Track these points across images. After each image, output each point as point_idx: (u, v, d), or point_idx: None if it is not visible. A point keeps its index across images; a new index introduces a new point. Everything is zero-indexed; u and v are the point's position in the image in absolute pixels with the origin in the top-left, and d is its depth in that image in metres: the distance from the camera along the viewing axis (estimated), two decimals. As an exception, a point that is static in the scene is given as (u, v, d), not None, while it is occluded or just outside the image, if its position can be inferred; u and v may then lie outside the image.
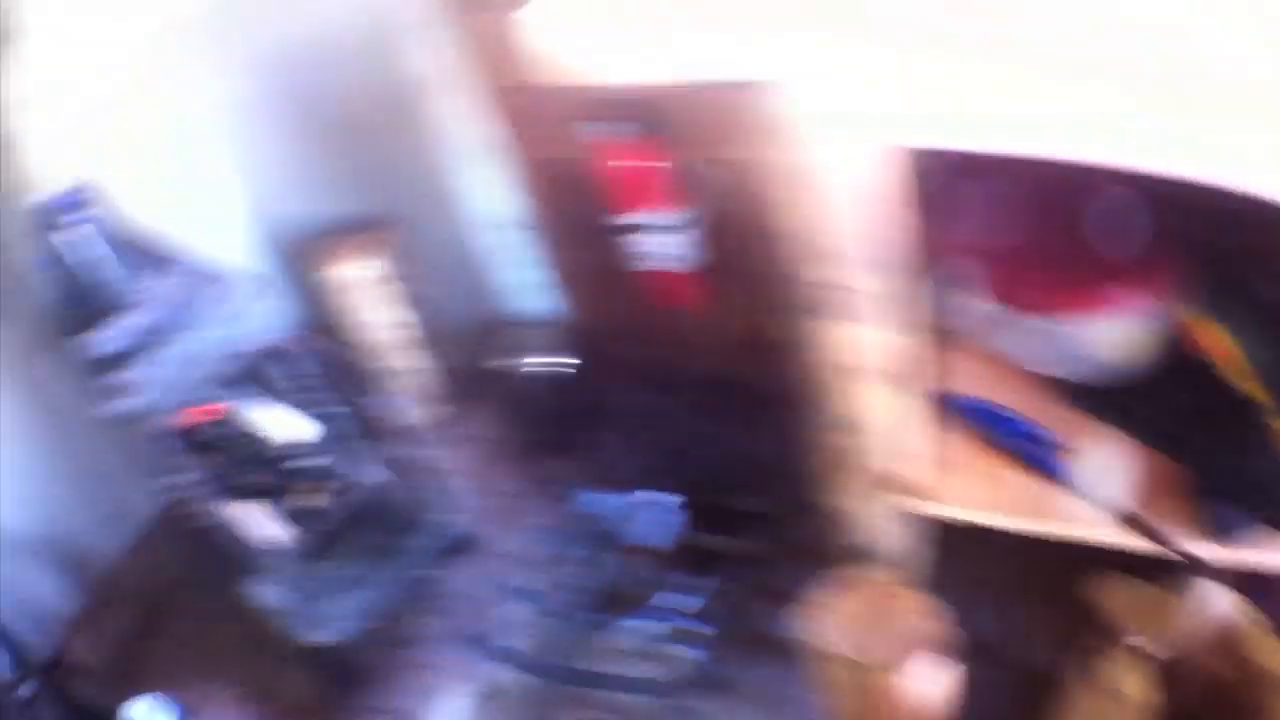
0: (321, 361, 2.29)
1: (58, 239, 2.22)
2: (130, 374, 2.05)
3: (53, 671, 2.69)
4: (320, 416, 2.37)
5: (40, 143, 2.32)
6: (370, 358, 2.74)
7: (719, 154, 2.14)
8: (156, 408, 2.04)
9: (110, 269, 2.26)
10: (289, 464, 2.42)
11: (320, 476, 2.45)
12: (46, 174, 2.31)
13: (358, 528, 2.45)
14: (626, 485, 2.59)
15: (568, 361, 2.71)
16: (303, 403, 2.37)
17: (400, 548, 2.45)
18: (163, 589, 3.05)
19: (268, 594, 2.36)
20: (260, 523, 2.40)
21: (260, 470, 2.44)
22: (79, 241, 2.23)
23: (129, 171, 2.49)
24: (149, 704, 2.48)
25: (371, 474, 2.48)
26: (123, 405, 2.01)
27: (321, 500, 2.45)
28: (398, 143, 2.73)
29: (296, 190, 2.99)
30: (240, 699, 2.68)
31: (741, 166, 2.09)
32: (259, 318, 2.16)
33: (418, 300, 2.86)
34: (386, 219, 2.83)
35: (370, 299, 2.75)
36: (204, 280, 2.20)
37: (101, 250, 2.26)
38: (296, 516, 2.43)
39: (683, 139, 2.16)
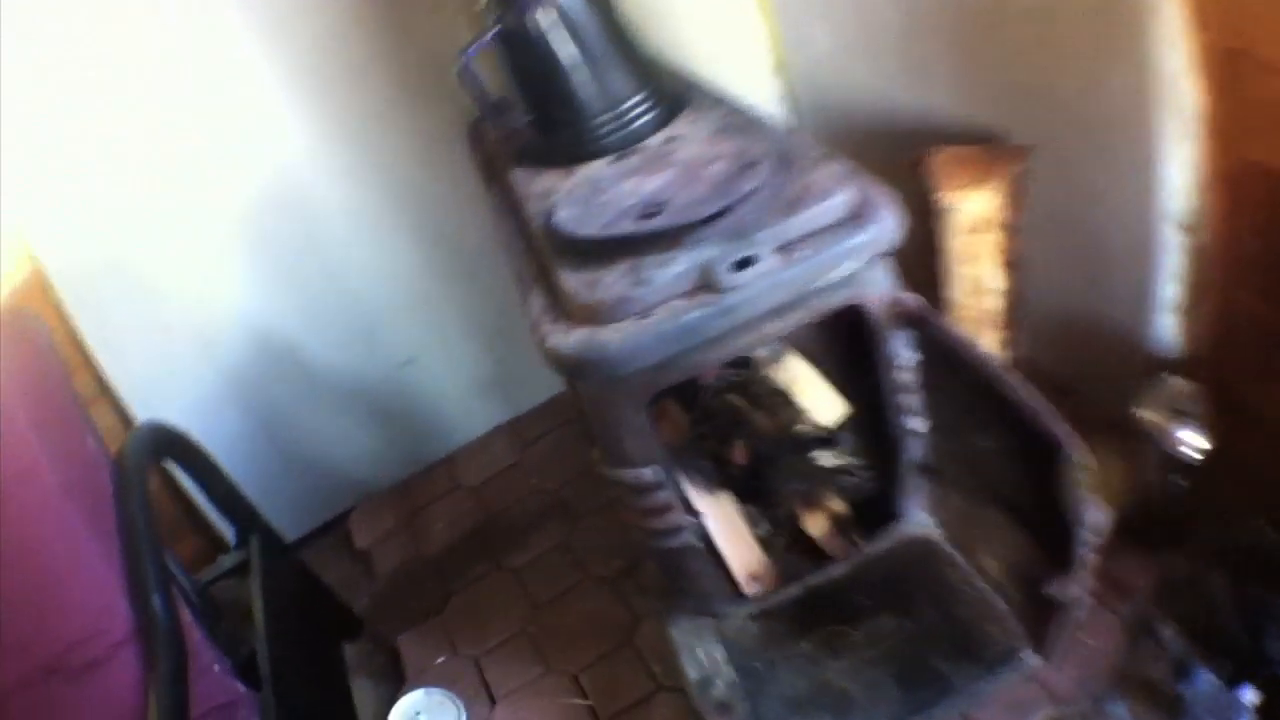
0: (919, 340, 1.20)
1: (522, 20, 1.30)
2: (619, 275, 1.04)
3: (282, 548, 2.03)
4: (872, 413, 1.31)
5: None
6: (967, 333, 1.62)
7: None
8: (645, 348, 1.02)
9: (601, 83, 1.33)
10: (805, 456, 1.40)
11: (838, 492, 1.42)
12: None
13: (868, 603, 1.41)
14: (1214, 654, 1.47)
15: (1194, 444, 1.47)
16: (859, 386, 1.32)
17: (925, 661, 1.37)
18: (509, 521, 2.19)
19: (689, 647, 1.38)
20: (725, 533, 1.42)
21: (761, 450, 1.44)
22: (553, 26, 1.31)
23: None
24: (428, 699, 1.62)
25: (914, 520, 1.41)
26: (590, 342, 1.00)
27: (826, 533, 1.42)
28: (1062, 52, 1.58)
29: (887, 71, 1.89)
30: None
31: None
32: (848, 246, 1.07)
33: (1021, 266, 1.69)
34: (1014, 144, 1.67)
35: (970, 244, 1.61)
36: (768, 154, 1.14)
37: (590, 48, 1.34)
38: (780, 542, 1.43)
39: None
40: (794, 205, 1.08)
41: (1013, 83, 1.73)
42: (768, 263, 1.04)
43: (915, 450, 1.32)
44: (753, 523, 1.48)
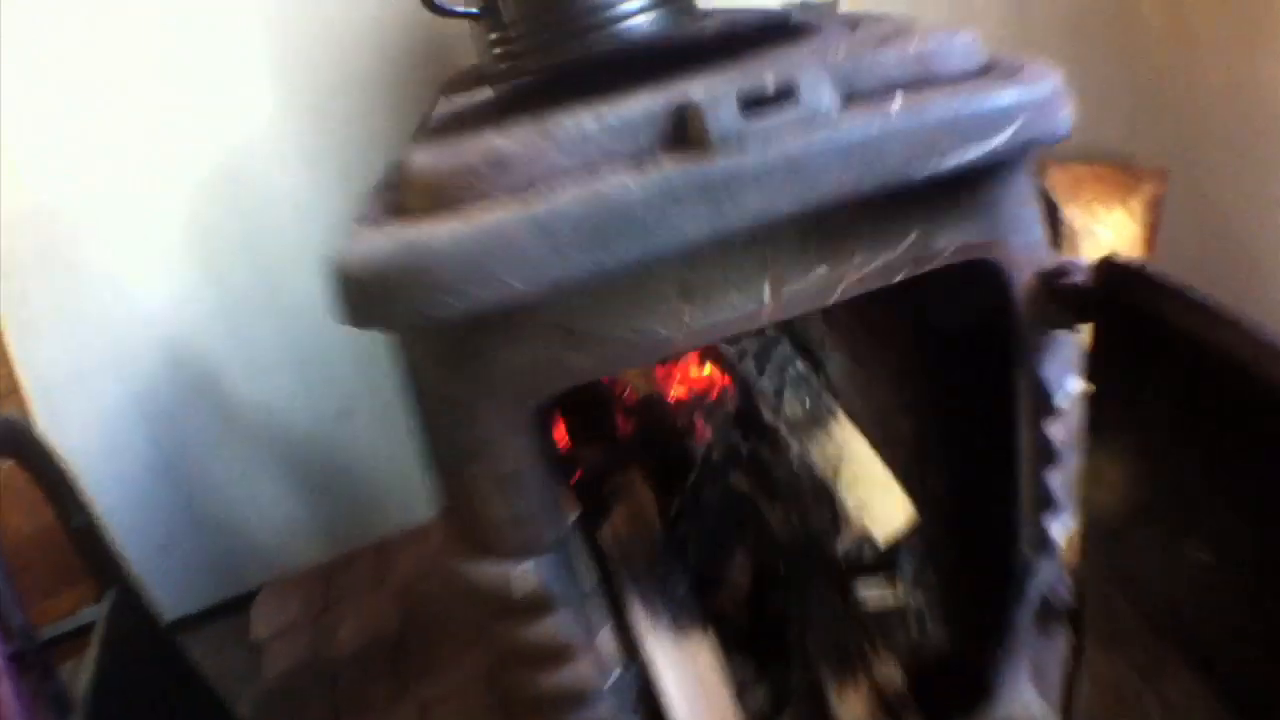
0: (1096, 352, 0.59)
1: None
2: (509, 131, 0.45)
3: (144, 613, 1.42)
4: (958, 507, 0.69)
5: None
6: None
7: None
8: (518, 255, 0.42)
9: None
10: (843, 586, 0.79)
11: (891, 648, 0.79)
12: None
13: None
14: None
15: None
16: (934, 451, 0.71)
17: None
18: (432, 636, 1.62)
19: None
20: (690, 706, 0.79)
21: (773, 569, 0.84)
22: None
23: None
24: None
25: (1017, 700, 0.77)
26: (409, 242, 0.40)
27: (867, 718, 0.79)
28: (1199, 45, 1.22)
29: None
30: None
31: None
32: (982, 107, 0.47)
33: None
34: (1147, 163, 1.24)
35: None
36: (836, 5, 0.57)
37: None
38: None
39: None
40: (884, 40, 0.51)
41: (1141, 88, 1.33)
42: (817, 105, 0.45)
43: (1046, 577, 0.69)
44: (743, 690, 0.85)
